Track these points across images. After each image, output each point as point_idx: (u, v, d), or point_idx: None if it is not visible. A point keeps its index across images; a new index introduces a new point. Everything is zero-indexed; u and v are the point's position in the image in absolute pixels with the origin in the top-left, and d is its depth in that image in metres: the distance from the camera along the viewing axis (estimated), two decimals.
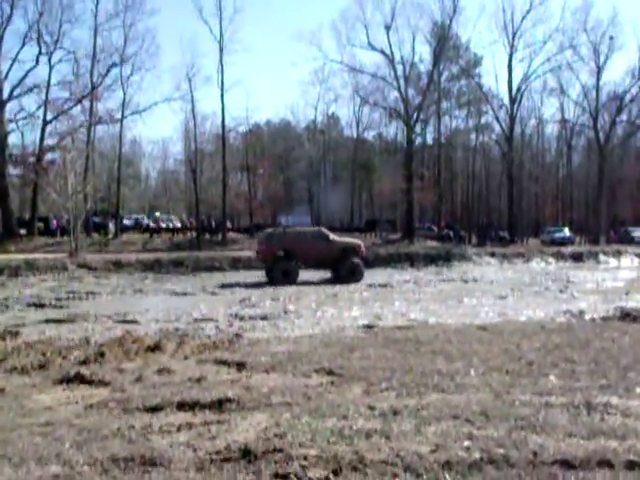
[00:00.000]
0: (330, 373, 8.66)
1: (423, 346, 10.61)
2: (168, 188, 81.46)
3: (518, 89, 62.95)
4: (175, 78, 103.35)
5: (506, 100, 63.65)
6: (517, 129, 68.95)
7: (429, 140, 72.43)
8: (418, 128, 65.45)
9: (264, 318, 16.21)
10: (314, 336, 12.61)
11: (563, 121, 75.45)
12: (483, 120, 72.76)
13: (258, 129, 78.59)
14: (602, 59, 64.57)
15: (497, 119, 65.87)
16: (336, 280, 27.54)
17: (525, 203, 71.88)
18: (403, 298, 20.94)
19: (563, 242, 53.45)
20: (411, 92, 62.74)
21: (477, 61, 68.83)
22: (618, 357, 9.47)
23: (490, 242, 55.14)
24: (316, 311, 17.65)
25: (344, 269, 27.81)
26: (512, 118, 63.05)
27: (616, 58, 76.17)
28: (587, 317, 15.55)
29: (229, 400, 7.18)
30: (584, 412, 6.60)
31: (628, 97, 66.32)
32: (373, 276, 29.06)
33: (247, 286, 26.25)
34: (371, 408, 6.78)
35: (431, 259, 37.91)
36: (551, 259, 41.89)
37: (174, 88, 57.70)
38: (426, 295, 22.16)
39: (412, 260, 37.32)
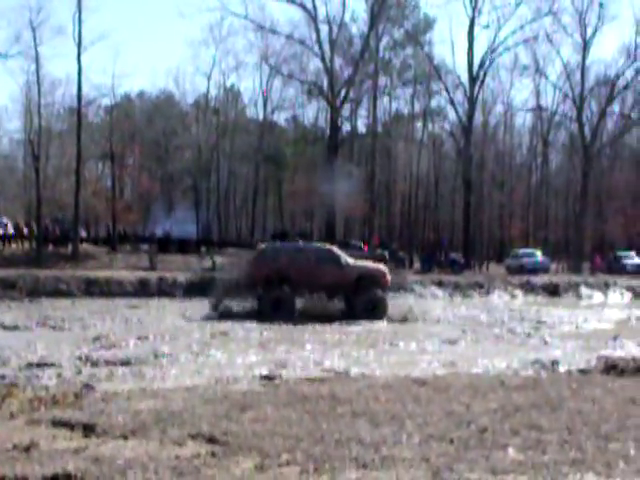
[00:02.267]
0: (211, 440, 8.57)
1: (340, 405, 10.61)
2: None
3: (481, 64, 64.20)
4: (13, 25, 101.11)
5: (465, 78, 64.83)
6: (478, 117, 70.49)
7: (361, 127, 73.41)
8: (346, 110, 66.19)
9: (126, 363, 15.99)
10: (193, 389, 12.50)
11: (539, 109, 77.46)
12: (434, 103, 74.09)
13: (128, 103, 78.06)
14: (589, 31, 66.72)
15: (452, 103, 67.07)
16: (350, 316, 27.44)
17: (487, 216, 73.33)
18: (318, 340, 20.97)
19: (534, 270, 54.64)
20: (339, 62, 63.54)
21: (428, 25, 70.23)
22: (598, 423, 9.67)
23: (438, 268, 55.92)
24: (198, 355, 17.52)
25: (361, 303, 27.96)
26: (472, 102, 64.24)
27: (607, 31, 79.12)
28: (561, 369, 15.88)
29: (68, 477, 7.01)
30: None
31: (621, 82, 68.53)
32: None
33: (104, 318, 25.96)
34: None
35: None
36: (518, 292, 42.78)
37: (12, 39, 56.41)
38: (349, 336, 22.27)
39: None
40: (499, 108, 79.16)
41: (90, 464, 7.52)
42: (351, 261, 29.85)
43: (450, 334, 22.95)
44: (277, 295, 27.69)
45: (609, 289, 45.27)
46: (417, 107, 76.03)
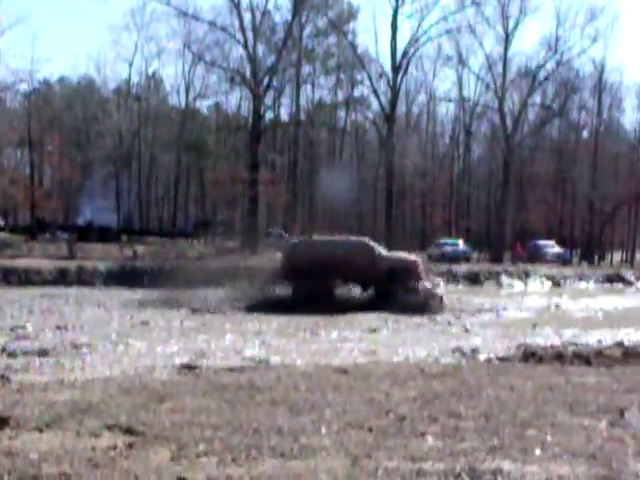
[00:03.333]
0: (128, 431, 8.44)
1: (260, 394, 10.57)
2: None
3: (404, 54, 64.50)
4: None
5: (388, 68, 65.14)
6: (401, 107, 70.96)
7: (284, 116, 73.31)
8: (269, 99, 66.02)
9: (43, 354, 15.71)
10: (110, 380, 12.33)
11: (461, 100, 78.26)
12: (357, 92, 74.35)
13: (47, 89, 76.82)
14: (511, 23, 67.70)
15: (375, 92, 67.32)
16: (382, 307, 27.33)
17: (409, 206, 73.87)
18: (238, 329, 20.90)
19: (456, 258, 55.30)
20: (262, 50, 63.25)
21: (352, 14, 70.45)
22: (516, 410, 9.77)
23: None
24: (118, 344, 17.32)
25: (399, 296, 27.81)
26: (395, 92, 64.53)
27: (528, 23, 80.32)
28: (481, 357, 16.06)
29: None
30: None
31: (542, 74, 69.66)
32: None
33: (21, 308, 25.56)
34: None
35: (279, 277, 38.02)
36: (439, 280, 43.14)
37: None
38: (271, 325, 22.24)
39: (254, 277, 37.31)
40: (422, 98, 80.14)
41: (3, 457, 7.35)
42: (385, 252, 30.97)
43: (371, 323, 23.05)
44: (312, 287, 28.19)
45: (529, 278, 46.00)
46: (340, 96, 76.36)
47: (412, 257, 32.76)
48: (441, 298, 28.76)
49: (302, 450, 7.66)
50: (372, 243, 30.98)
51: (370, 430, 8.56)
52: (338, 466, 7.11)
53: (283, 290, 30.30)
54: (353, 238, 33.66)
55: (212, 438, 8.10)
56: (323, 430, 8.50)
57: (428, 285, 29.18)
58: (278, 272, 31.45)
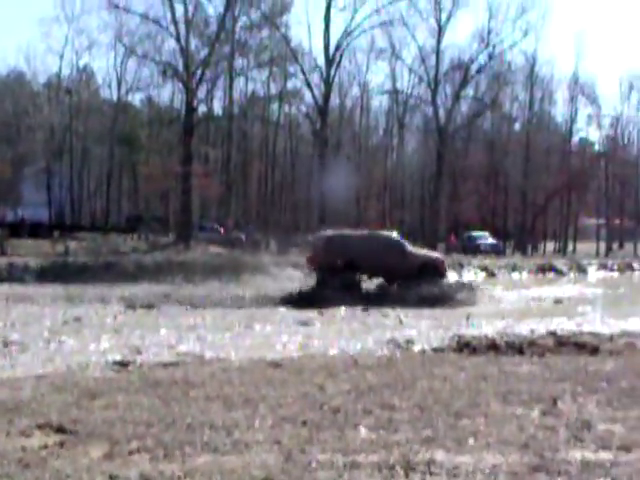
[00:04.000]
0: (60, 430, 8.36)
1: (194, 390, 10.53)
2: None
3: (337, 47, 64.73)
4: None
5: (321, 61, 65.18)
6: (334, 100, 71.10)
7: (217, 109, 72.98)
8: (202, 92, 65.64)
9: None
10: (42, 377, 12.16)
11: (394, 92, 78.57)
12: (290, 85, 74.27)
13: None
14: (444, 16, 68.20)
15: (308, 85, 67.39)
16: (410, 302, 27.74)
17: (343, 198, 73.98)
18: (172, 324, 20.75)
19: None
20: (194, 43, 62.83)
21: (285, 6, 70.19)
22: (449, 400, 9.90)
23: (295, 249, 56.09)
24: (50, 342, 17.06)
25: (427, 290, 28.52)
26: (328, 84, 64.68)
27: (461, 16, 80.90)
28: (415, 348, 16.16)
29: None
30: (400, 473, 6.79)
31: (475, 66, 70.30)
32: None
33: None
34: (112, 478, 6.60)
35: (214, 270, 37.88)
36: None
37: None
38: (205, 320, 22.12)
39: (188, 271, 37.17)
40: (355, 90, 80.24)
41: None
42: (414, 249, 32.53)
43: (306, 316, 23.04)
44: (347, 280, 29.00)
45: (463, 269, 46.33)
46: (273, 89, 76.12)
47: (438, 254, 35.56)
48: (474, 290, 30.52)
49: (235, 445, 7.67)
50: (402, 239, 32.76)
51: (304, 424, 8.59)
52: (271, 460, 7.13)
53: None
54: (384, 233, 34.75)
55: (145, 435, 8.06)
56: (257, 425, 8.51)
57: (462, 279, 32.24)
58: (306, 264, 32.83)
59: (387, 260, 30.11)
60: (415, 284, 29.05)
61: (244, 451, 7.46)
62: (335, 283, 28.56)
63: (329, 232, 34.19)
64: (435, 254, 35.30)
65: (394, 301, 27.60)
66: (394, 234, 34.06)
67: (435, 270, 30.96)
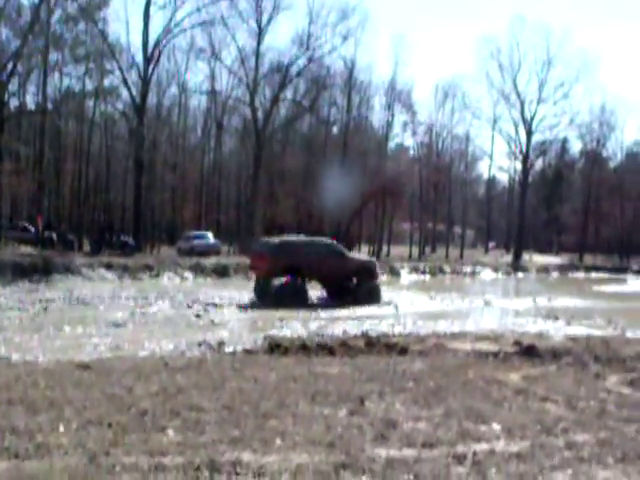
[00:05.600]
0: None
1: None
2: None
3: (156, 45, 63.74)
4: None
5: (139, 58, 64.29)
6: (152, 98, 70.25)
7: (30, 104, 70.88)
8: (14, 85, 63.68)
9: None
10: None
11: (213, 93, 78.35)
12: (107, 82, 72.83)
13: None
14: (265, 18, 68.37)
15: (125, 82, 66.13)
16: (354, 302, 30.99)
17: (159, 198, 73.27)
18: None
19: (206, 252, 55.39)
20: (6, 33, 60.83)
21: (103, 1, 68.76)
22: (258, 401, 9.97)
23: (109, 250, 55.23)
24: None
25: (362, 291, 32.44)
26: (146, 83, 63.82)
27: (282, 19, 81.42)
28: (227, 350, 16.24)
29: None
30: (206, 474, 6.82)
31: (294, 70, 70.88)
32: None
33: None
34: None
35: (24, 271, 37.01)
36: (188, 274, 43.24)
37: None
38: (12, 322, 21.56)
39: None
40: (174, 90, 79.46)
41: None
42: (350, 255, 35.28)
43: (117, 317, 22.80)
44: (297, 286, 30.97)
45: None
46: (89, 85, 74.40)
47: (371, 258, 40.65)
48: (380, 292, 33.42)
49: (38, 449, 7.51)
50: (340, 245, 34.99)
51: (110, 426, 8.49)
52: (75, 464, 7.01)
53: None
54: (324, 240, 36.50)
55: None
56: (61, 428, 8.35)
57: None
58: (263, 270, 33.12)
59: (330, 266, 31.95)
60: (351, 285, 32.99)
61: (47, 455, 7.31)
62: (287, 289, 30.72)
63: (274, 239, 35.90)
64: (369, 258, 39.84)
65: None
66: (333, 241, 36.04)
67: (369, 272, 33.57)
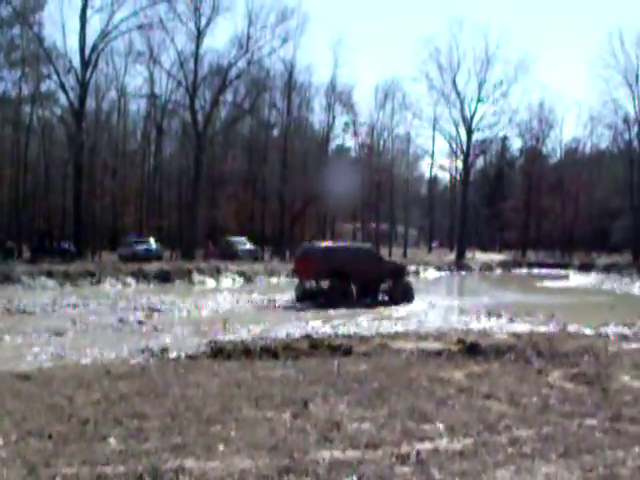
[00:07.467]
0: None
1: None
2: None
3: (94, 49, 63.16)
4: None
5: (77, 62, 63.63)
6: (91, 103, 69.67)
7: None
8: None
9: None
10: None
11: (153, 96, 77.88)
12: (43, 87, 71.98)
13: None
14: (204, 21, 68.06)
15: (63, 87, 65.43)
16: (390, 301, 34.13)
17: (99, 204, 72.62)
18: None
19: (148, 257, 55.08)
20: None
21: (38, 4, 67.90)
22: (202, 407, 9.93)
23: (49, 257, 54.66)
24: None
25: (397, 291, 34.93)
26: (84, 87, 63.27)
27: (221, 22, 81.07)
28: (170, 356, 16.13)
29: None
30: None
31: (234, 72, 70.75)
32: None
33: None
34: None
35: None
36: (130, 279, 42.92)
37: None
38: None
39: None
40: (113, 94, 78.79)
41: None
42: (385, 258, 40.80)
43: (58, 325, 22.50)
44: (344, 287, 33.36)
45: (221, 274, 46.69)
46: (26, 90, 73.43)
47: (402, 262, 47.70)
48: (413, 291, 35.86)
49: None
50: (376, 250, 39.77)
51: (50, 437, 8.40)
52: (13, 477, 6.90)
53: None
54: (362, 245, 42.12)
55: None
56: (0, 441, 8.22)
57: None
58: (294, 274, 37.97)
59: (369, 269, 34.47)
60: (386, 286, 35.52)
61: None
62: (336, 291, 33.18)
63: (318, 245, 39.48)
64: (398, 261, 46.54)
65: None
66: (370, 245, 42.11)
67: (402, 274, 37.11)
